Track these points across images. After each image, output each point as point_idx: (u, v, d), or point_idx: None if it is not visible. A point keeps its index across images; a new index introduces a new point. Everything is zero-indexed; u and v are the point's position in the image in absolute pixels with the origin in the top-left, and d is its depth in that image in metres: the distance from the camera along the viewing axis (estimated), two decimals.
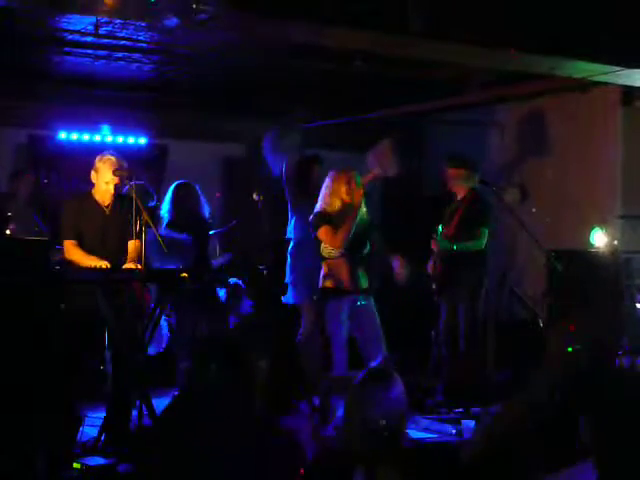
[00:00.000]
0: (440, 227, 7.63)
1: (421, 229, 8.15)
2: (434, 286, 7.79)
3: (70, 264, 6.22)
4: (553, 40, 6.70)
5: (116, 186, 6.32)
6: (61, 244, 6.38)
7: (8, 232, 5.73)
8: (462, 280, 7.56)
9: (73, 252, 6.27)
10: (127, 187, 6.38)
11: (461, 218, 7.59)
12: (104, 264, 6.05)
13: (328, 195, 6.79)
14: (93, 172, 6.37)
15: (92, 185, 6.41)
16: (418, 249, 8.05)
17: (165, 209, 7.85)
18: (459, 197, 7.72)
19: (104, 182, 6.31)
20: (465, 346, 7.51)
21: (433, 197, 9.21)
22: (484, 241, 7.56)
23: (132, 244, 6.28)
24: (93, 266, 6.02)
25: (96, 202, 6.39)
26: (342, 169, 6.85)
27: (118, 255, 6.24)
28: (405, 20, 6.13)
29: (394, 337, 7.09)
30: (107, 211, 6.38)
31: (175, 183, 7.93)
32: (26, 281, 5.25)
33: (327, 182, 6.85)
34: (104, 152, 6.46)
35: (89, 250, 6.26)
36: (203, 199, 7.93)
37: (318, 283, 6.85)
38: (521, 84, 8.54)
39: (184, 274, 6.36)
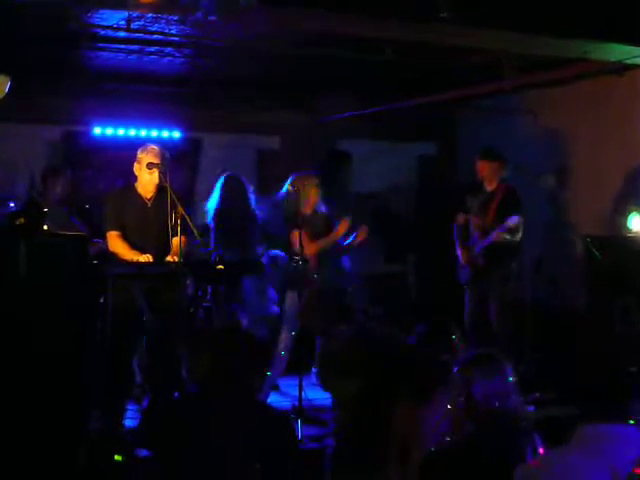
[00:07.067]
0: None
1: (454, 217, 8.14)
2: (463, 275, 7.86)
3: (113, 256, 6.27)
4: (587, 23, 6.62)
5: (159, 175, 6.31)
6: (104, 236, 6.40)
7: (45, 227, 5.76)
8: (493, 272, 7.70)
9: (117, 244, 6.30)
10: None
11: (496, 211, 7.63)
12: (147, 258, 6.08)
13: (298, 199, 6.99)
14: (136, 164, 6.41)
15: (135, 179, 6.46)
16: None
17: (213, 201, 7.93)
18: (489, 189, 7.79)
19: (147, 172, 6.33)
20: (497, 328, 7.62)
21: (467, 185, 9.15)
22: (520, 233, 7.62)
23: (176, 240, 6.22)
24: (135, 260, 6.06)
25: (139, 195, 6.43)
26: (303, 174, 7.19)
27: (159, 247, 6.25)
28: (435, 6, 6.08)
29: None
30: (149, 204, 6.41)
31: (224, 175, 7.98)
32: (65, 276, 5.29)
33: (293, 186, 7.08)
34: (146, 143, 6.52)
35: (131, 243, 6.29)
36: (250, 190, 7.98)
37: None
38: (555, 69, 8.45)
39: (220, 266, 6.42)
